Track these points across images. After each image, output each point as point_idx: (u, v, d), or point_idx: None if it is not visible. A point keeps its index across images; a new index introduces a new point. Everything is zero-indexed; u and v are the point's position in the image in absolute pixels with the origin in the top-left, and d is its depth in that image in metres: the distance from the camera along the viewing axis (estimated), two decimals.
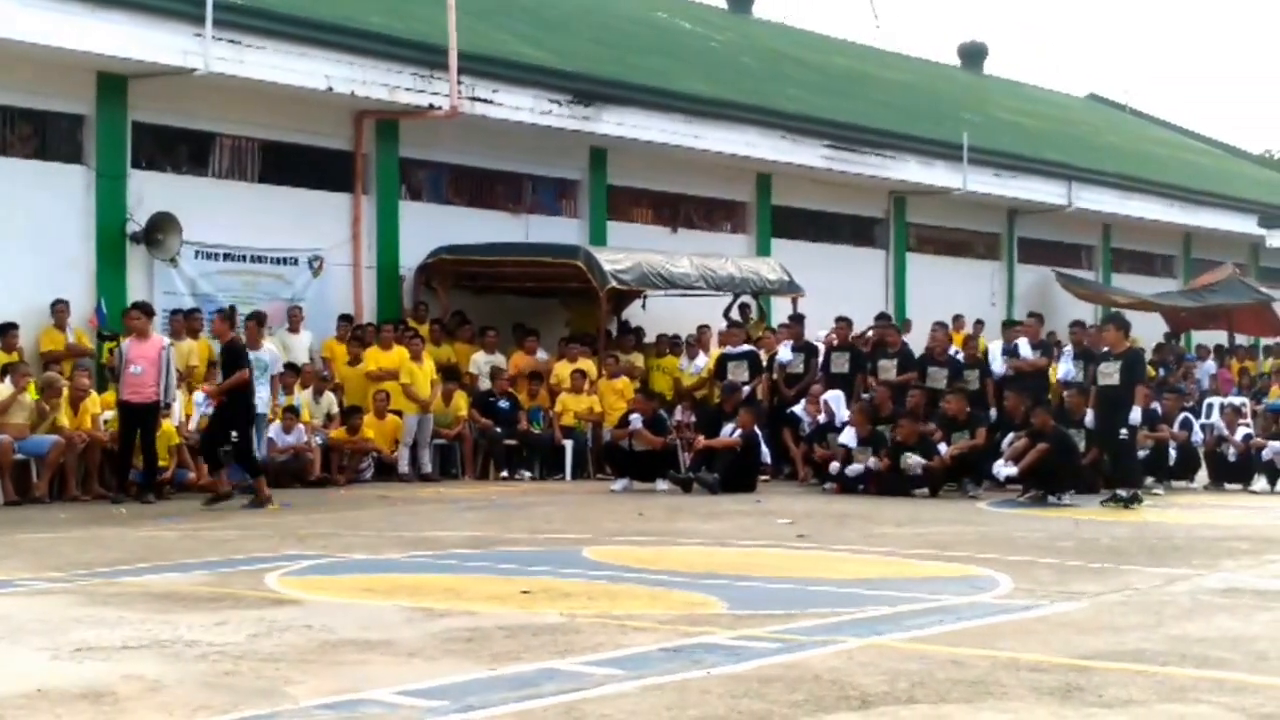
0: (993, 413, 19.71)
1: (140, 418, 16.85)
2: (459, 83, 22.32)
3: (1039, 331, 22.29)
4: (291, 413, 19.41)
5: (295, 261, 22.12)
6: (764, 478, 19.83)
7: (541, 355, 22.88)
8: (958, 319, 26.93)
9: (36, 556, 11.65)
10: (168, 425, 17.85)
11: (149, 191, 20.35)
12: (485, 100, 23.10)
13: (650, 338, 24.25)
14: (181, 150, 21.55)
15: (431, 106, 22.44)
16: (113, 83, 20.00)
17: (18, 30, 18.11)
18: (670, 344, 23.66)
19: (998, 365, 20.95)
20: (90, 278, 19.83)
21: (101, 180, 19.98)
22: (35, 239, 19.20)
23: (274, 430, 19.15)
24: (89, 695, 6.33)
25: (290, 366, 20.27)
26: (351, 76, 21.48)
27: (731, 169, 27.89)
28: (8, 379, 17.21)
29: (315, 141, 22.60)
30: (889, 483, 18.06)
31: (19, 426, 16.97)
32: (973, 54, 48.38)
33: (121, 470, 17.02)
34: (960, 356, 21.63)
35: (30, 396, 17.30)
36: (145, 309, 17.41)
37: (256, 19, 20.35)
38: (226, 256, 21.30)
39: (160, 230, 20.18)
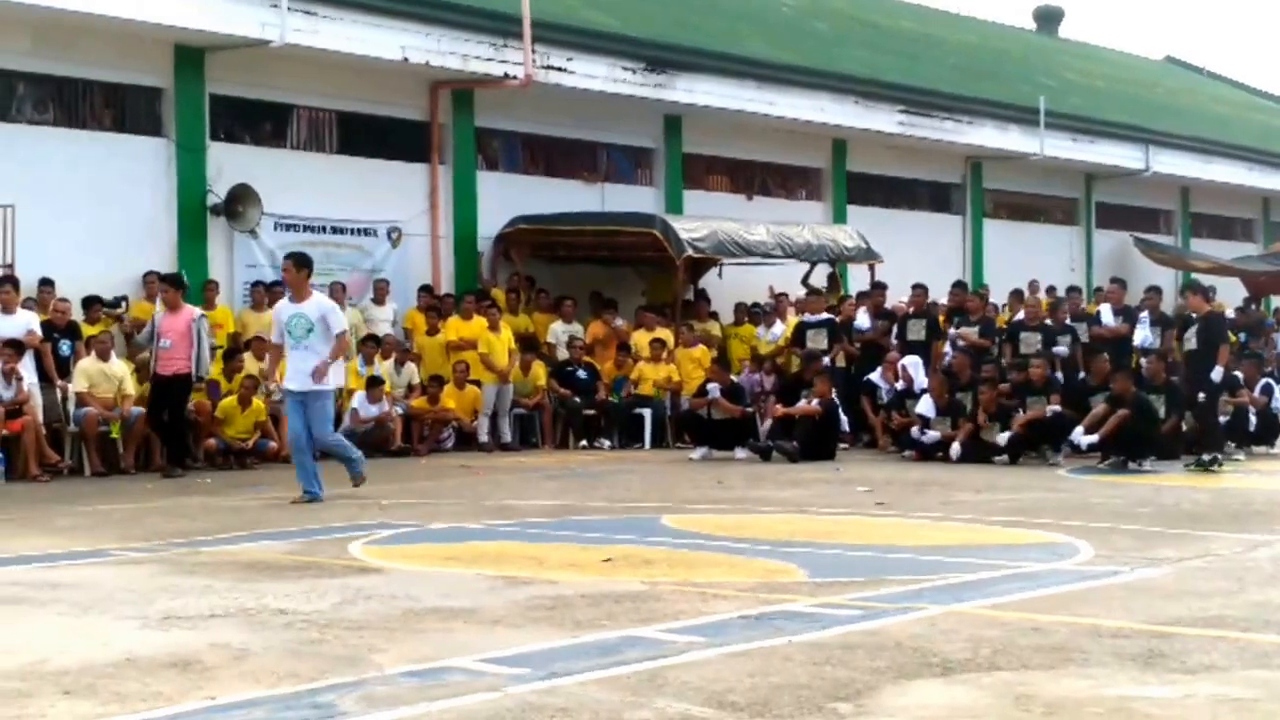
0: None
1: (171, 390, 16.67)
2: (533, 51, 22.34)
3: (1122, 297, 22.10)
4: (376, 383, 19.53)
5: (374, 233, 22.24)
6: (843, 445, 19.78)
7: (618, 324, 22.89)
8: (1032, 284, 26.71)
9: (124, 527, 11.79)
10: (257, 400, 18.00)
11: (228, 164, 20.51)
12: (559, 69, 23.11)
13: (725, 306, 24.20)
14: (259, 122, 21.70)
15: (506, 76, 22.48)
16: (190, 55, 20.16)
17: (97, 4, 18.28)
18: (749, 312, 23.56)
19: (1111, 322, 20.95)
20: (171, 250, 20.02)
21: (181, 153, 20.16)
22: (116, 212, 19.40)
23: (358, 400, 19.29)
24: (177, 663, 6.38)
25: (372, 337, 20.42)
26: (427, 46, 21.55)
27: (806, 135, 27.77)
28: (93, 352, 17.40)
29: (391, 112, 22.69)
30: (969, 450, 17.98)
31: (105, 399, 17.17)
32: (1048, 17, 47.86)
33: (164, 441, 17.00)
34: (1049, 322, 21.42)
35: (123, 367, 17.52)
36: (174, 280, 17.17)
37: None
38: (305, 228, 21.44)
39: (240, 202, 20.34)
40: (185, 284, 17.50)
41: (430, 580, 8.79)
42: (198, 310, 17.27)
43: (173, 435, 16.93)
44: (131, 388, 17.49)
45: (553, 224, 23.43)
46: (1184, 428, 18.29)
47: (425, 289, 22.10)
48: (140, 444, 17.51)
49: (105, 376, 17.27)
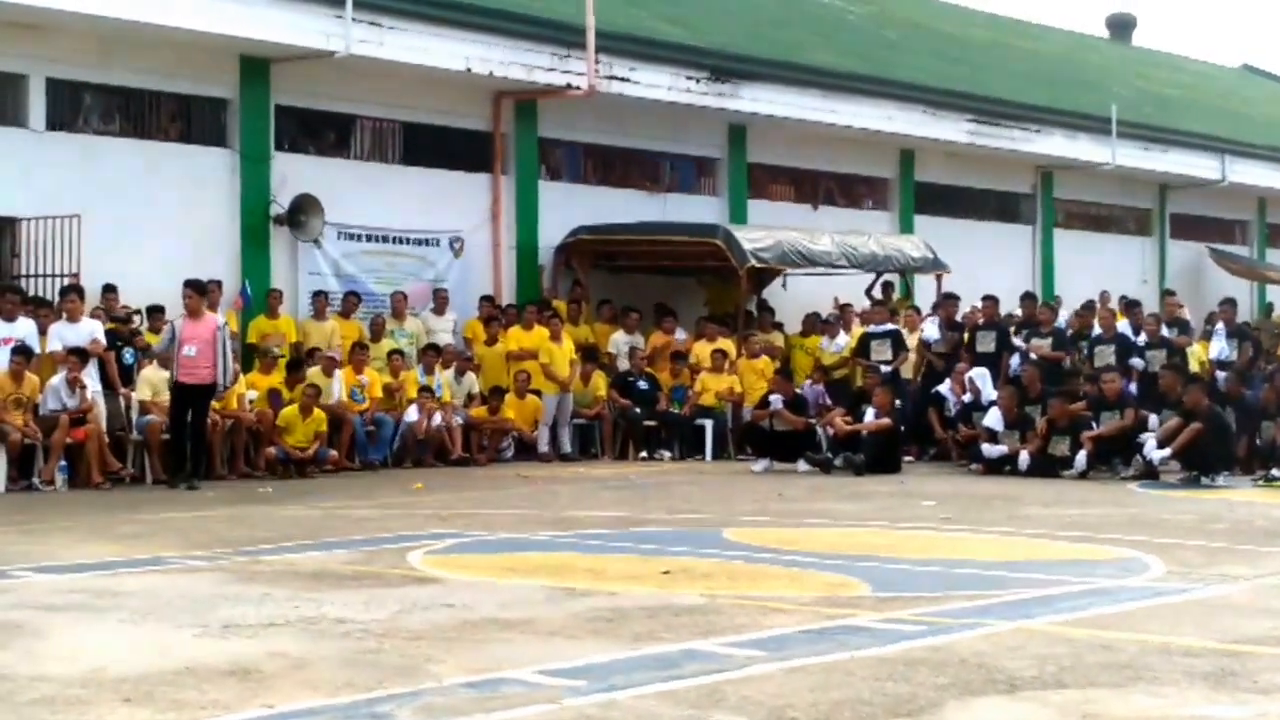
0: None
1: (194, 400, 16.26)
2: (597, 61, 22.33)
3: (1175, 310, 21.87)
4: (427, 393, 19.54)
5: (436, 242, 22.27)
6: (908, 458, 19.61)
7: (680, 335, 22.82)
8: (1103, 296, 26.46)
9: (184, 535, 11.81)
10: (318, 410, 18.03)
11: (292, 174, 20.58)
12: (623, 79, 23.09)
13: (789, 317, 24.08)
14: (323, 132, 21.78)
15: (570, 86, 22.47)
16: (255, 66, 20.26)
17: (163, 15, 18.38)
18: (821, 324, 23.34)
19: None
20: (235, 260, 20.10)
21: (245, 163, 20.25)
22: (181, 222, 19.49)
23: (414, 411, 19.32)
24: (235, 672, 6.37)
25: (433, 347, 20.44)
26: (490, 57, 21.57)
27: (872, 144, 27.63)
28: (154, 361, 17.46)
29: (455, 122, 22.72)
30: (1037, 463, 17.80)
31: (167, 407, 17.21)
32: (1121, 25, 47.51)
33: (175, 453, 16.59)
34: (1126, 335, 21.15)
35: None
36: (198, 287, 16.69)
37: (396, 0, 20.49)
38: (369, 238, 21.50)
39: (303, 212, 20.41)
40: (210, 290, 17.35)
41: (489, 591, 8.74)
42: (221, 319, 17.12)
43: (196, 447, 16.49)
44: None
45: (615, 234, 23.40)
46: (1258, 442, 18.03)
47: (486, 299, 22.09)
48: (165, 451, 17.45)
49: (167, 384, 17.30)
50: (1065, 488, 16.43)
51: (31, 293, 18.09)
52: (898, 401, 19.29)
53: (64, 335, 16.91)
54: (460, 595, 8.46)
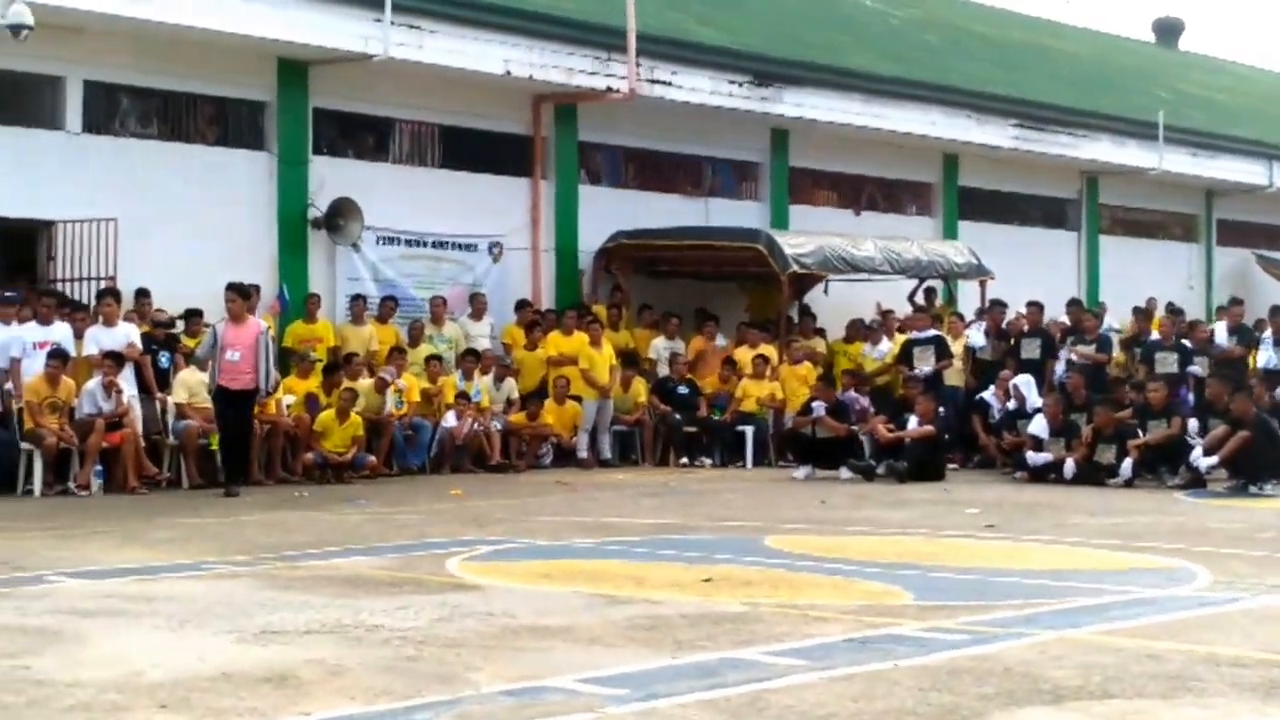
0: None
1: (237, 405, 16.08)
2: (637, 65, 22.28)
3: (1240, 317, 21.64)
4: (465, 399, 19.49)
5: (475, 247, 22.24)
6: (952, 466, 19.46)
7: (720, 341, 22.72)
8: (1150, 302, 26.25)
9: (221, 540, 11.78)
10: (355, 414, 18.00)
11: (330, 177, 20.58)
12: (664, 82, 23.03)
13: (831, 322, 23.96)
14: (362, 136, 21.78)
15: (610, 89, 22.42)
16: (294, 69, 20.27)
17: (201, 17, 18.41)
18: (865, 330, 23.18)
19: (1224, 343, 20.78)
20: (273, 263, 20.11)
21: (283, 166, 20.26)
22: (219, 225, 19.50)
23: (452, 416, 19.29)
24: (272, 678, 6.34)
25: (471, 352, 20.39)
26: (530, 60, 21.53)
27: (916, 149, 27.49)
28: (191, 366, 17.44)
29: (494, 126, 22.70)
30: (1082, 471, 17.63)
31: (205, 411, 17.20)
32: (1168, 29, 47.19)
33: (225, 459, 16.54)
34: (1185, 342, 20.97)
35: None
36: (240, 290, 16.39)
37: (435, 4, 20.50)
38: (408, 242, 21.49)
39: (341, 216, 20.40)
40: (252, 294, 17.15)
41: (528, 598, 8.67)
42: (264, 323, 16.85)
43: (239, 452, 16.43)
44: None
45: (655, 239, 23.32)
46: None
47: (523, 304, 22.03)
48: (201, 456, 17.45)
49: (205, 388, 17.28)
50: (1111, 496, 16.28)
51: (68, 296, 18.14)
52: (940, 409, 19.14)
53: (100, 339, 16.94)
54: (499, 602, 8.40)
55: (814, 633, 7.47)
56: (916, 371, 20.48)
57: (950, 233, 27.96)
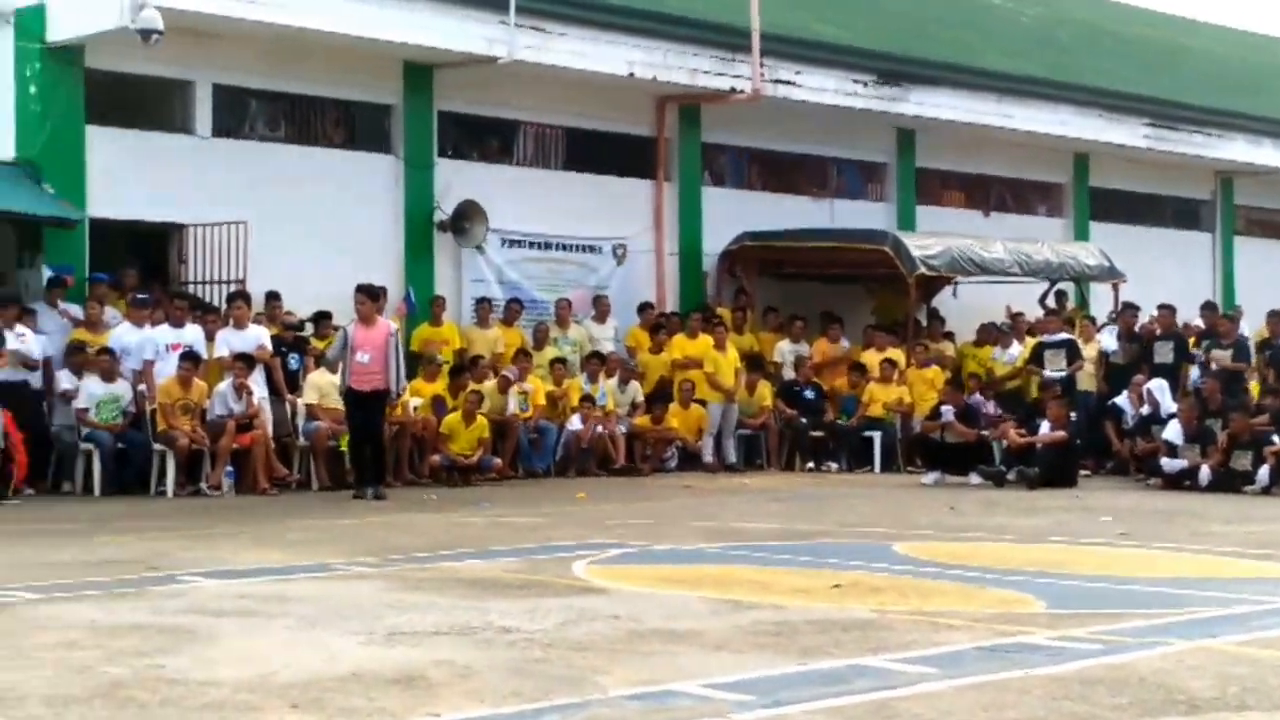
0: None
1: (367, 407, 15.95)
2: (761, 65, 22.18)
3: None
4: (590, 402, 19.51)
5: (599, 249, 22.27)
6: (1084, 472, 19.16)
7: (844, 344, 22.57)
8: None
9: (350, 541, 11.86)
10: (481, 417, 18.07)
11: (455, 180, 20.70)
12: (788, 82, 22.93)
13: (960, 325, 23.72)
14: (486, 138, 21.90)
15: (734, 90, 22.36)
16: (419, 72, 20.43)
17: (329, 22, 18.57)
18: (995, 333, 22.88)
19: None
20: (399, 266, 20.26)
21: (409, 169, 20.42)
22: (346, 228, 19.68)
23: (576, 419, 19.32)
24: (401, 680, 6.35)
25: (596, 355, 20.42)
26: (653, 61, 21.52)
27: (1046, 149, 27.17)
28: (321, 368, 17.60)
29: (618, 128, 22.73)
30: (1219, 478, 17.30)
31: (334, 412, 17.35)
32: None
33: (356, 460, 16.43)
34: None
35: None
36: (370, 292, 16.23)
37: (560, 5, 20.56)
38: (532, 244, 21.57)
39: (467, 218, 20.52)
40: (382, 295, 17.02)
41: (654, 602, 8.64)
42: (394, 324, 16.86)
43: (375, 455, 16.24)
44: None
45: (780, 240, 23.23)
46: None
47: (646, 306, 22.02)
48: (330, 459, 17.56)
49: (335, 389, 17.42)
50: (1248, 503, 15.96)
51: (199, 299, 18.40)
52: (1072, 414, 18.86)
53: (231, 341, 17.16)
54: (625, 606, 8.37)
55: (943, 640, 7.37)
56: (1047, 375, 20.22)
57: (1081, 234, 27.60)
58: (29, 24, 17.86)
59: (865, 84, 23.81)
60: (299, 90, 19.90)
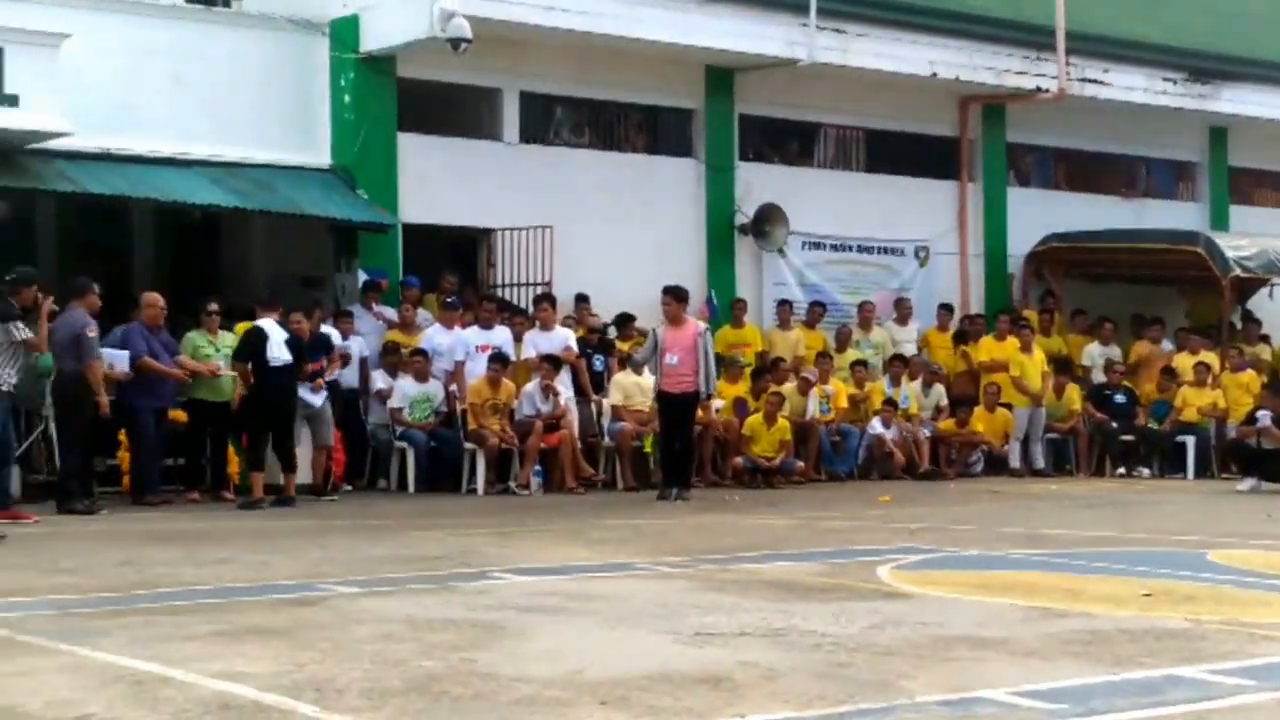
0: None
1: (679, 409, 15.93)
2: (1068, 64, 21.79)
3: None
4: (892, 405, 19.38)
5: (901, 251, 22.11)
6: None
7: (1166, 345, 21.96)
8: None
9: (655, 541, 11.96)
10: (782, 419, 18.09)
11: (756, 183, 20.78)
12: (1095, 81, 22.52)
13: (1277, 328, 22.89)
14: (786, 141, 21.92)
15: (1039, 89, 22.00)
16: (721, 76, 20.58)
17: (634, 29, 18.84)
18: None
19: None
20: (701, 269, 20.42)
21: (710, 173, 20.56)
22: (648, 232, 19.94)
23: (878, 423, 19.19)
24: (708, 680, 6.34)
25: (899, 358, 20.28)
26: (956, 61, 21.32)
27: None
28: (628, 369, 17.83)
29: (920, 128, 22.57)
30: None
31: (638, 413, 17.56)
32: None
33: (664, 461, 16.44)
34: None
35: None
36: (677, 294, 16.22)
37: (861, 7, 20.53)
38: (833, 247, 21.52)
39: (767, 221, 20.58)
40: (687, 296, 16.90)
41: (960, 608, 8.52)
42: (702, 324, 16.75)
43: (682, 456, 16.21)
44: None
45: (1087, 242, 22.76)
46: None
47: (945, 307, 21.76)
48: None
49: (640, 390, 17.64)
50: None
51: (507, 301, 18.81)
52: None
53: (538, 343, 17.50)
54: (931, 612, 8.28)
55: (1261, 652, 7.08)
56: None
57: None
58: (343, 35, 18.52)
59: (1175, 81, 23.24)
60: (602, 96, 20.22)
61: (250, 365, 15.15)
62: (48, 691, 6.02)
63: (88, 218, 19.43)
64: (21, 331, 12.86)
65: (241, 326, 16.15)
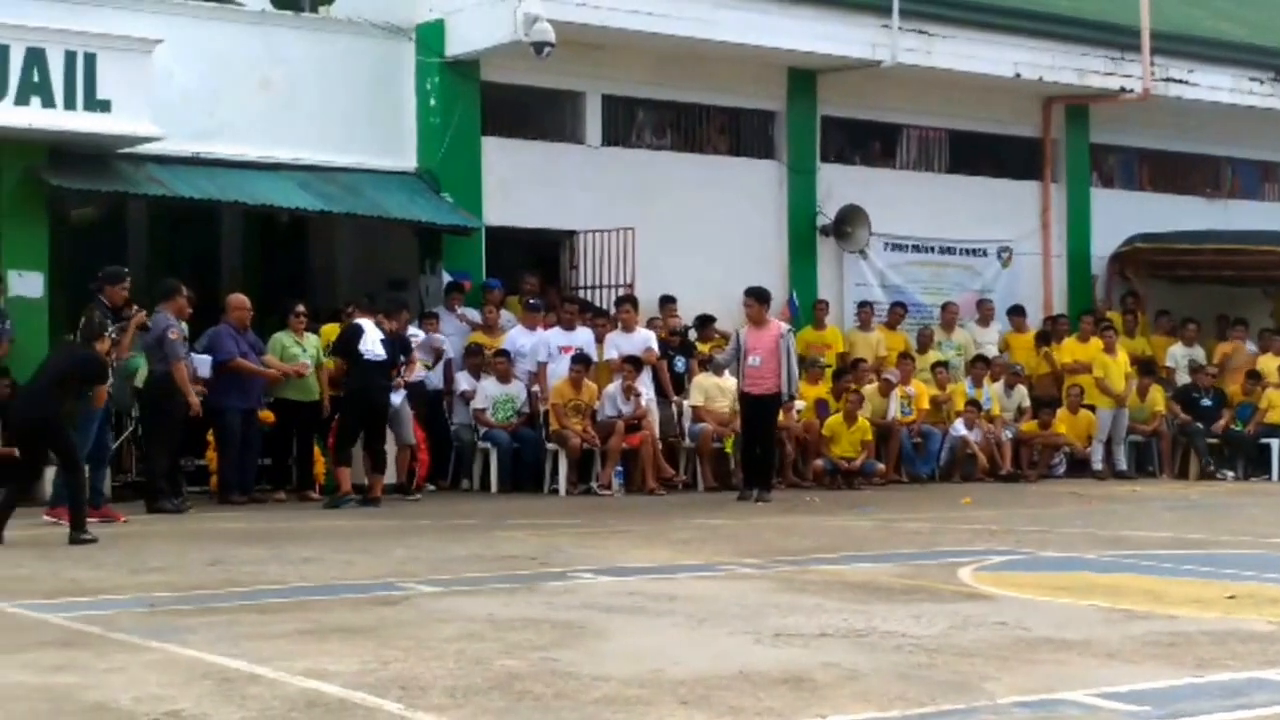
0: None
1: (761, 410, 15.91)
2: (1152, 64, 21.62)
3: None
4: (975, 407, 19.31)
5: (984, 253, 22.02)
6: None
7: (1251, 348, 21.75)
8: None
9: (735, 542, 12.01)
10: (863, 419, 18.08)
11: (837, 184, 20.75)
12: (1180, 81, 22.31)
13: None
14: (868, 142, 21.87)
15: (1123, 90, 21.85)
16: (803, 78, 20.56)
17: (716, 31, 18.87)
18: None
19: None
20: (783, 270, 20.41)
21: (792, 174, 20.55)
22: (729, 233, 19.93)
23: (960, 424, 19.14)
24: (789, 680, 6.37)
25: (981, 359, 20.21)
26: (1039, 62, 21.20)
27: None
28: (708, 370, 17.85)
29: (1002, 129, 22.45)
30: None
31: (719, 414, 17.59)
32: None
33: (745, 463, 16.37)
34: None
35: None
36: (759, 295, 16.21)
37: (943, 8, 20.44)
38: (915, 248, 21.45)
39: (849, 223, 20.55)
40: (770, 298, 16.83)
41: (1042, 610, 8.50)
42: (784, 325, 16.67)
43: (763, 458, 16.20)
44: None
45: (1172, 243, 22.56)
46: None
47: (1017, 310, 21.59)
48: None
49: (720, 391, 17.68)
50: None
51: (590, 302, 18.89)
52: None
53: (619, 344, 17.57)
54: (1013, 613, 8.26)
55: None
56: None
57: None
58: (429, 39, 18.65)
59: (1261, 81, 23.00)
60: (684, 99, 20.25)
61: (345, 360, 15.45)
62: (138, 687, 6.14)
63: (177, 221, 19.70)
64: (110, 335, 13.05)
65: (327, 328, 16.34)
